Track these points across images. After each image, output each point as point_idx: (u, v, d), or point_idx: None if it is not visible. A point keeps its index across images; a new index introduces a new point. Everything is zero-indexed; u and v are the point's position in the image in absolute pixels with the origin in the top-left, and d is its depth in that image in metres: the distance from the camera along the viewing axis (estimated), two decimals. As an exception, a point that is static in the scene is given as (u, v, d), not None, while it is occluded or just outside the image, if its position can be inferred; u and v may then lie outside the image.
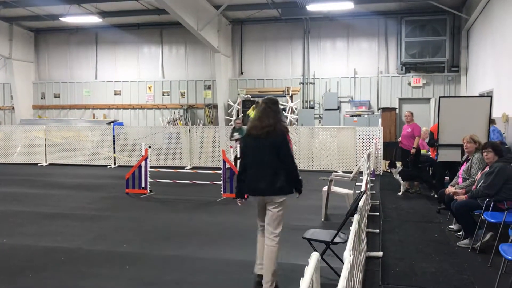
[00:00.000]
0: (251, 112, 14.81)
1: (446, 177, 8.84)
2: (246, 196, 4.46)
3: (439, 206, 7.62)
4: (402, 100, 15.43)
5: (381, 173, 12.43)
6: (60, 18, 14.98)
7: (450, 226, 6.58)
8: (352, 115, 15.11)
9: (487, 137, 7.55)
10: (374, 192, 9.35)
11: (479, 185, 5.69)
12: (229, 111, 15.96)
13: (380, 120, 14.24)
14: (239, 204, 4.49)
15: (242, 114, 15.36)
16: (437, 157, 8.28)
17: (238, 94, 15.95)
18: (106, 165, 14.48)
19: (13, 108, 18.48)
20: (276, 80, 16.36)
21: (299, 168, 4.59)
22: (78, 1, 14.01)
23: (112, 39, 17.80)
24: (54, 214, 7.60)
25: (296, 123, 15.30)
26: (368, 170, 7.25)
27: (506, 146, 8.07)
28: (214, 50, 15.39)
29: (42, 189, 10.09)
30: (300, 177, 4.32)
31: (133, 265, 5.06)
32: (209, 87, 17.03)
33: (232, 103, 15.88)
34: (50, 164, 14.77)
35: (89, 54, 18.24)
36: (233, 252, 5.49)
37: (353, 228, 3.21)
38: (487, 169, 5.78)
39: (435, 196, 8.46)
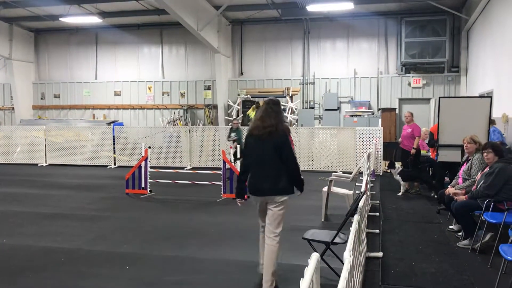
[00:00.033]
0: (251, 113, 14.82)
1: (446, 178, 8.84)
2: (246, 196, 4.47)
3: (439, 207, 7.62)
4: (402, 101, 15.43)
5: (381, 174, 12.44)
6: (60, 19, 14.97)
7: (450, 227, 6.58)
8: (352, 116, 15.11)
9: (487, 138, 7.56)
10: (374, 192, 9.35)
11: (479, 186, 5.69)
12: (229, 111, 15.95)
13: (380, 120, 14.24)
14: (239, 204, 4.51)
15: (242, 115, 15.37)
16: (437, 158, 8.28)
17: (238, 95, 15.94)
18: (106, 166, 14.49)
19: (13, 108, 18.47)
20: (276, 80, 16.36)
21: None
22: (78, 2, 14.00)
23: (112, 40, 17.80)
24: (54, 214, 7.60)
25: (296, 123, 15.30)
26: (368, 171, 7.26)
27: (507, 147, 8.06)
28: (214, 51, 15.39)
29: (42, 190, 10.09)
30: (302, 177, 4.34)
31: (133, 265, 5.06)
32: (209, 88, 17.03)
33: (232, 104, 15.88)
34: (50, 165, 14.78)
35: (89, 54, 18.23)
36: (233, 252, 5.48)
37: (353, 229, 3.21)
38: (487, 169, 5.78)
39: (435, 196, 8.46)
